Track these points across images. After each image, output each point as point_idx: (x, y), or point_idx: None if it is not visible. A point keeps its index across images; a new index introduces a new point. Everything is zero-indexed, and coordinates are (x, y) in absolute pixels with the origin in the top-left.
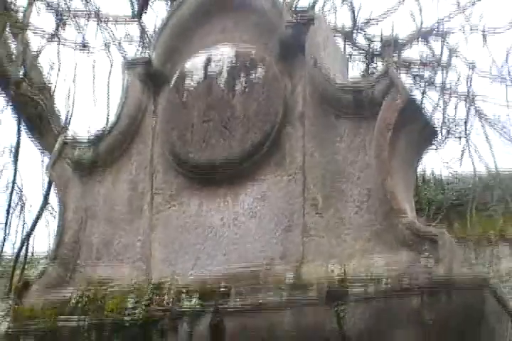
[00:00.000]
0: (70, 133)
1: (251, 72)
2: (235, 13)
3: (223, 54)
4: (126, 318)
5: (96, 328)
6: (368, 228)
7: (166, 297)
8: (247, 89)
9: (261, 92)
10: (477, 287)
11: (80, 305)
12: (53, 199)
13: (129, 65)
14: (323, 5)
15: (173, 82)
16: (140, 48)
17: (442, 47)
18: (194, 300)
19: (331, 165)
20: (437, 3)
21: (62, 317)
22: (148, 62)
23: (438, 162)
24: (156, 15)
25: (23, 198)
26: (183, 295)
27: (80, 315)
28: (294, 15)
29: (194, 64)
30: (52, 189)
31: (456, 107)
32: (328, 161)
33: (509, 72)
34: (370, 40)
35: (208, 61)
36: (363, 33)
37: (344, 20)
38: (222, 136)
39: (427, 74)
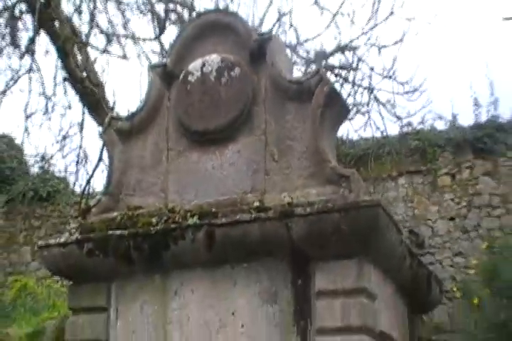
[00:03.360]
0: (115, 112)
1: (231, 70)
2: (221, 33)
3: (213, 59)
4: (152, 229)
5: (132, 236)
6: (307, 170)
7: (177, 216)
8: (228, 82)
9: (238, 84)
10: (374, 207)
11: (122, 221)
12: (105, 155)
13: (153, 67)
14: (278, 28)
15: (181, 77)
16: (160, 56)
17: (353, 56)
18: (195, 218)
19: (283, 130)
20: (350, 29)
21: (110, 230)
22: (165, 65)
23: (350, 129)
24: (170, 34)
25: (87, 154)
26: (188, 215)
27: (122, 228)
28: (259, 35)
29: (194, 66)
30: (104, 148)
31: (362, 94)
32: (281, 128)
33: (394, 73)
34: (307, 51)
35: (203, 64)
36: (303, 47)
37: (291, 38)
38: (213, 112)
39: (343, 73)
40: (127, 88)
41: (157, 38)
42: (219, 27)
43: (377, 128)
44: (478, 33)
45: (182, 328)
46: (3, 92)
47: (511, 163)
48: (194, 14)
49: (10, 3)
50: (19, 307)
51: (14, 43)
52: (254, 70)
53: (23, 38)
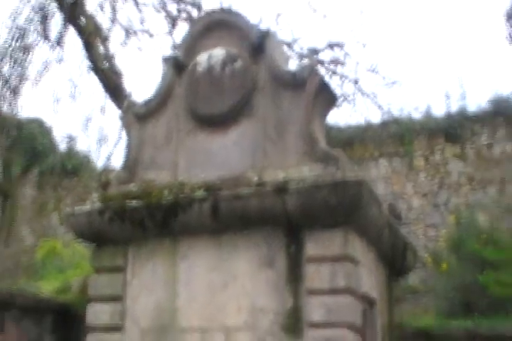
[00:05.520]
0: (132, 97)
1: (234, 62)
2: (225, 29)
3: (218, 52)
4: (164, 200)
5: (146, 206)
6: (300, 150)
7: (186, 189)
8: (232, 72)
9: (240, 74)
10: (359, 183)
11: (137, 193)
12: (123, 135)
13: (166, 58)
14: (276, 26)
15: (190, 68)
16: (172, 50)
17: (341, 52)
18: (202, 191)
19: (280, 114)
20: (339, 28)
21: (127, 200)
22: (176, 57)
23: (338, 115)
24: (181, 30)
25: (107, 134)
26: (196, 188)
27: (137, 198)
28: (259, 31)
29: (201, 58)
30: (122, 129)
31: (348, 85)
32: (278, 112)
33: (377, 67)
34: (300, 47)
35: (210, 56)
36: (298, 43)
37: (287, 36)
38: (218, 97)
39: (332, 66)
40: (143, 76)
41: (169, 33)
42: (224, 24)
43: (362, 115)
44: (452, 34)
45: (189, 287)
46: (37, 79)
47: (476, 146)
48: (202, 13)
49: (43, 2)
50: (48, 266)
51: (46, 37)
52: (255, 62)
53: (54, 32)
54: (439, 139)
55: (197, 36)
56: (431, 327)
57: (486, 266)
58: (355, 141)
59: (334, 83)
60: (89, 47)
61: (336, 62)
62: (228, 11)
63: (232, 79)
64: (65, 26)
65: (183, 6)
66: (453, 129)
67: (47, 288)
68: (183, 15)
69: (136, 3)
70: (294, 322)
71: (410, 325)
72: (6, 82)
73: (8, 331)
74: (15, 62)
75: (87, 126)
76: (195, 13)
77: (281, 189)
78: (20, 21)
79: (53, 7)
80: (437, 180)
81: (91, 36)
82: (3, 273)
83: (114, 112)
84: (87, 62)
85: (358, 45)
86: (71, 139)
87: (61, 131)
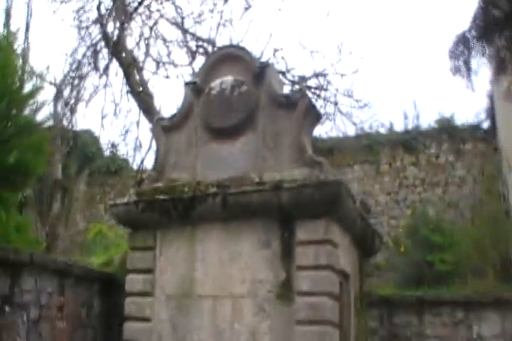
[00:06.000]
0: (161, 114)
1: (241, 87)
2: (233, 61)
3: (228, 79)
4: (185, 195)
5: (171, 200)
6: (292, 156)
7: (202, 187)
8: (238, 95)
9: (245, 96)
10: (338, 183)
11: (164, 189)
12: (154, 143)
13: (187, 84)
14: (273, 58)
15: (206, 91)
16: (192, 77)
17: (324, 80)
18: (214, 188)
19: (276, 127)
20: (323, 61)
21: (156, 194)
22: (195, 83)
23: (321, 129)
24: (199, 62)
25: (141, 143)
26: (210, 186)
27: (164, 193)
28: (260, 63)
29: (215, 83)
30: (153, 139)
31: (329, 107)
32: (275, 127)
33: (352, 92)
34: (292, 76)
35: (222, 82)
36: (289, 72)
37: (282, 66)
38: (228, 114)
39: (317, 92)
40: (169, 98)
41: (190, 64)
42: (232, 57)
43: (340, 130)
44: (409, 65)
45: (204, 263)
46: (89, 100)
47: (427, 156)
48: (215, 48)
49: (94, 42)
50: (96, 244)
51: (96, 68)
52: (257, 87)
53: (102, 64)
54: (399, 150)
55: (211, 66)
56: (391, 295)
57: (433, 248)
58: (335, 151)
59: (319, 104)
60: (128, 75)
61: (320, 88)
62: (236, 46)
63: (239, 100)
64: (110, 59)
65: (200, 42)
66: (409, 142)
67: (95, 261)
68: (201, 50)
69: (164, 41)
70: (286, 291)
71: (376, 294)
72: (66, 103)
73: (67, 295)
74: (72, 88)
75: (126, 137)
76: (210, 48)
77: (277, 187)
78: (78, 56)
79: (101, 45)
80: (398, 182)
81: (129, 67)
82: (64, 250)
83: (146, 126)
84: (126, 87)
85: (338, 75)
86: (114, 146)
87: (106, 140)
